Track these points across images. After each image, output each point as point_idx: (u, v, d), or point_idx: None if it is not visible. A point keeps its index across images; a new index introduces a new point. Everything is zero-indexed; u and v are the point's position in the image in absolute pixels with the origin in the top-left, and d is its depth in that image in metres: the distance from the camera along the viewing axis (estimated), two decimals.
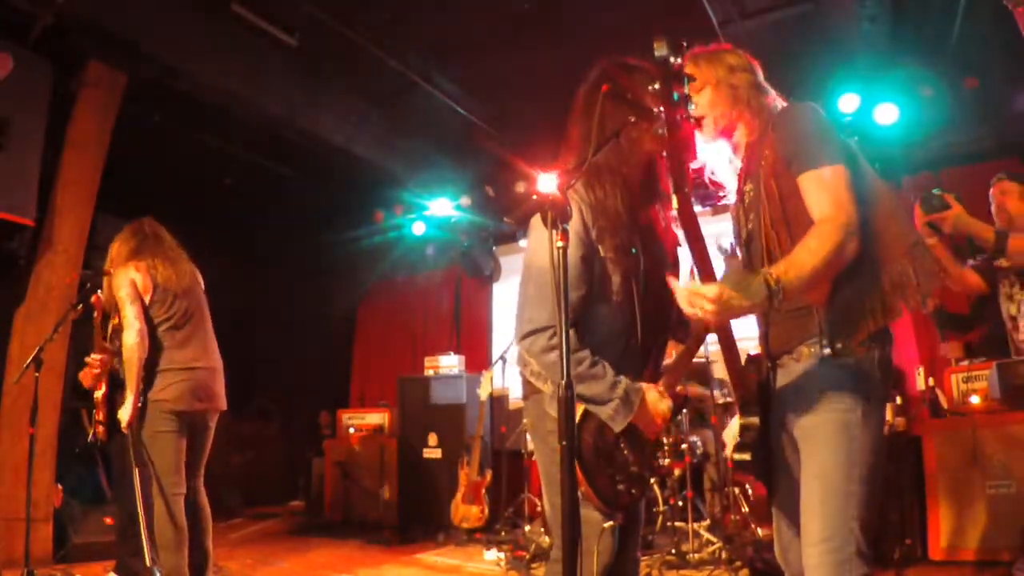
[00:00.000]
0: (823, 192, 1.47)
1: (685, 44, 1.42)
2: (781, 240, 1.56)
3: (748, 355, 1.71)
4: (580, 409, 1.70)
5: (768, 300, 1.32)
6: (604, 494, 1.70)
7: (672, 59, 1.33)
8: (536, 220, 1.73)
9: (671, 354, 2.00)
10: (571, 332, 1.65)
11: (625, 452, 1.75)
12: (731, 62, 1.72)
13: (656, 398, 1.75)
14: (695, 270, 1.42)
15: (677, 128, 1.31)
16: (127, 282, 3.08)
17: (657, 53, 1.31)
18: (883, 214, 1.55)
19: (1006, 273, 3.32)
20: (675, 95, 1.33)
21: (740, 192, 1.74)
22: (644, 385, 1.75)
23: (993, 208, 3.41)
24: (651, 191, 1.88)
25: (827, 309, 1.52)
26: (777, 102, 1.73)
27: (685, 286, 1.34)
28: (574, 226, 1.73)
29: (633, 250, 1.80)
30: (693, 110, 1.70)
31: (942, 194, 2.91)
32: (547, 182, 1.75)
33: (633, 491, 1.75)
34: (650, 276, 1.83)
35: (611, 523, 1.72)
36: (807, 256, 1.39)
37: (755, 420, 1.60)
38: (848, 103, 4.96)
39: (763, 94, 1.72)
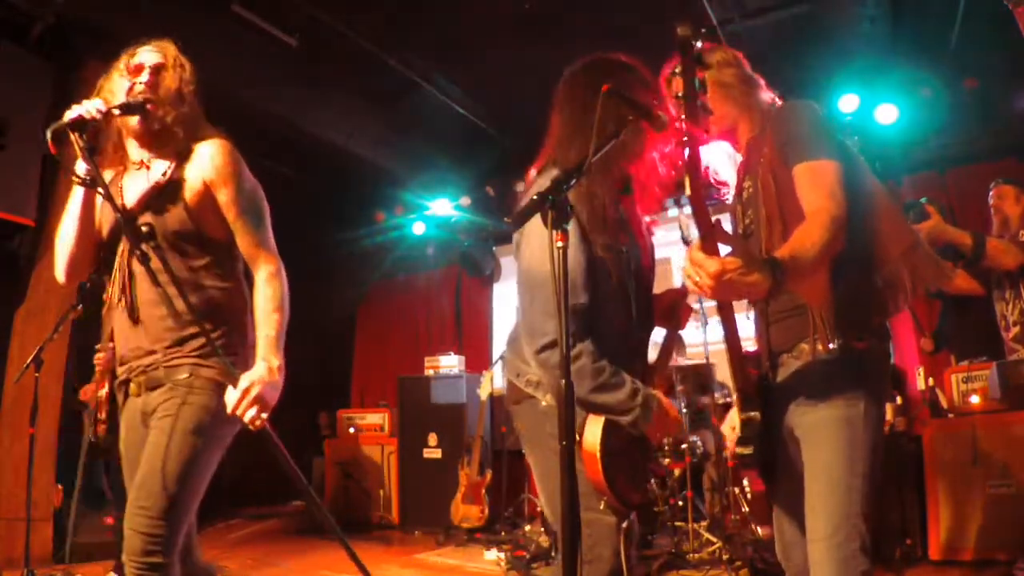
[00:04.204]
0: (816, 184, 1.48)
1: (704, 30, 1.41)
2: (776, 236, 1.56)
3: (746, 352, 1.70)
4: (602, 421, 1.70)
5: (772, 287, 1.31)
6: (624, 496, 1.71)
7: (695, 41, 1.32)
8: (531, 222, 1.66)
9: None
10: (589, 341, 1.68)
11: (637, 452, 1.77)
12: (716, 59, 1.72)
13: (670, 406, 1.74)
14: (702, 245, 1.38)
15: (695, 111, 1.31)
16: None
17: (680, 33, 1.31)
18: (881, 214, 1.56)
19: (998, 275, 3.35)
20: (696, 80, 1.32)
21: (739, 188, 1.75)
22: (656, 392, 1.74)
23: (992, 211, 3.46)
24: (627, 185, 1.89)
25: (826, 306, 1.52)
26: (769, 95, 1.73)
27: (691, 252, 1.32)
28: (573, 229, 1.67)
29: (623, 248, 1.79)
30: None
31: (925, 204, 2.94)
32: (545, 181, 1.74)
33: (646, 488, 1.80)
34: (639, 272, 1.84)
35: (626, 523, 1.72)
36: (809, 244, 1.39)
37: (755, 415, 1.60)
38: (848, 103, 4.96)
39: (754, 87, 1.73)
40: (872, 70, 4.87)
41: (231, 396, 1.63)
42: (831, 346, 1.52)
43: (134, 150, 1.81)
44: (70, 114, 1.59)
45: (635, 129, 1.71)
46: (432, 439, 5.87)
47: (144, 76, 1.76)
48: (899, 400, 4.02)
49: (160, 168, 1.77)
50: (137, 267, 1.68)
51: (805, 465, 1.55)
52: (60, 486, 4.36)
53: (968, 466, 3.52)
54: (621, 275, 1.77)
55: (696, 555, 3.86)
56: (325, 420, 6.87)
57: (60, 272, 1.81)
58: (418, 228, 7.18)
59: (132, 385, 1.78)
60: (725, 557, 3.72)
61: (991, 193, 3.50)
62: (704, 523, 4.15)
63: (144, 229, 1.68)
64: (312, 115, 5.47)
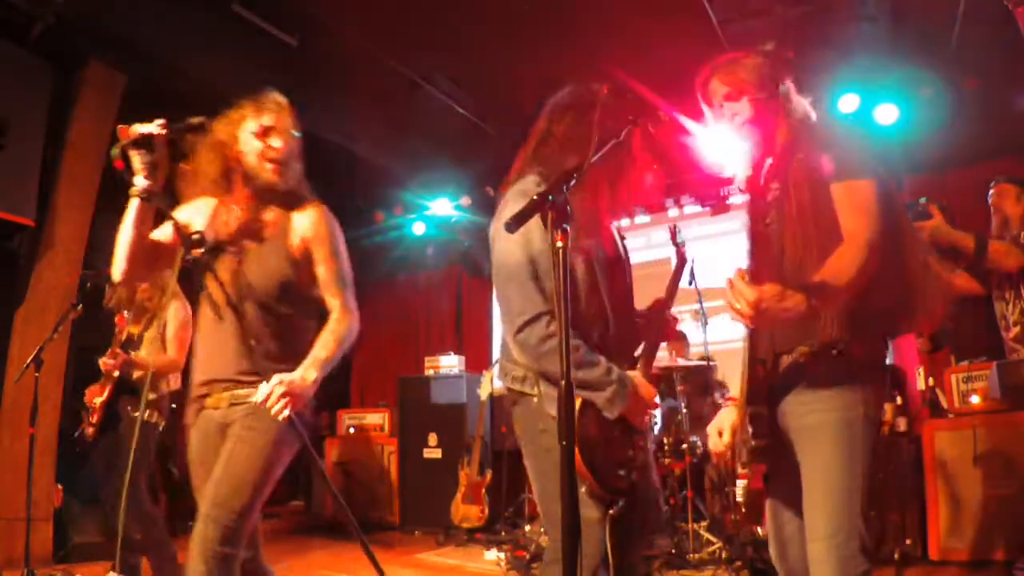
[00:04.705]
0: (855, 206, 1.53)
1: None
2: (806, 238, 1.58)
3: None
4: (578, 402, 1.68)
5: (807, 312, 1.39)
6: (607, 483, 1.72)
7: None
8: (502, 212, 1.83)
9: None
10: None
11: (619, 437, 1.78)
12: (752, 60, 1.75)
13: (645, 384, 1.81)
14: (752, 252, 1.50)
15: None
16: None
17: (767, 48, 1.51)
18: (904, 226, 1.61)
19: (999, 276, 3.34)
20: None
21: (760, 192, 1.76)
22: (632, 373, 1.80)
23: (991, 210, 3.44)
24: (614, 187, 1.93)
25: (840, 314, 1.55)
26: (802, 99, 1.75)
27: (732, 280, 1.39)
28: (537, 222, 1.65)
29: (595, 250, 1.84)
30: (735, 119, 1.72)
31: (927, 204, 2.94)
32: (526, 187, 1.78)
33: (632, 475, 1.79)
34: (611, 267, 1.88)
35: (612, 511, 1.73)
36: (844, 269, 1.46)
37: (762, 409, 1.63)
38: (848, 103, 4.96)
39: (788, 92, 1.74)
40: (872, 70, 4.86)
41: (263, 389, 1.78)
42: (834, 352, 1.55)
43: (245, 196, 1.98)
44: (132, 132, 1.70)
45: (635, 129, 1.73)
46: (432, 439, 5.87)
47: (276, 142, 1.96)
48: (899, 400, 4.02)
49: (267, 220, 1.97)
50: (230, 298, 1.83)
51: (805, 465, 1.58)
52: (60, 486, 4.36)
53: (968, 466, 3.53)
54: (592, 276, 1.82)
55: (696, 555, 3.86)
56: (325, 420, 6.87)
57: (116, 272, 1.93)
58: (418, 228, 7.18)
59: (210, 399, 1.92)
60: (725, 557, 3.72)
61: (991, 191, 3.48)
62: (704, 523, 4.15)
63: (195, 236, 1.78)
64: (312, 115, 5.45)
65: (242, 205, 1.98)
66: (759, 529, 3.90)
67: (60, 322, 3.58)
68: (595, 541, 1.70)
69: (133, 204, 1.83)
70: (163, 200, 1.78)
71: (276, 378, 1.77)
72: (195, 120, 1.82)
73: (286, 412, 1.76)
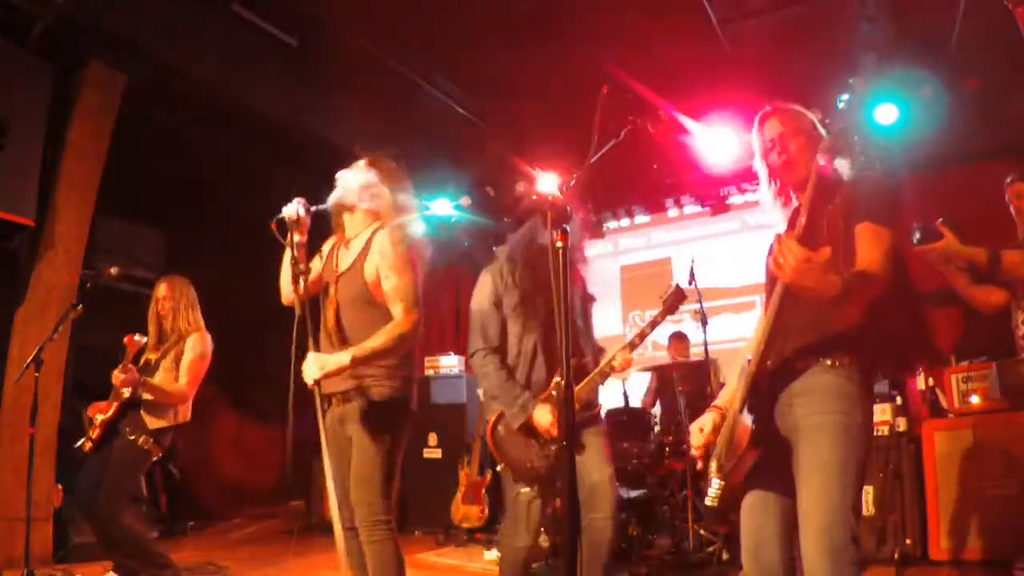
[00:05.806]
0: (875, 243, 1.69)
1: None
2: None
3: (748, 359, 1.78)
4: (497, 412, 2.64)
5: (839, 294, 1.51)
6: (516, 467, 2.58)
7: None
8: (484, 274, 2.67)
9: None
10: (496, 356, 2.58)
11: (526, 438, 2.56)
12: (811, 117, 1.97)
13: (542, 413, 2.49)
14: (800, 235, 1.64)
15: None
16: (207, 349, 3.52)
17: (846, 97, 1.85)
18: (907, 274, 1.69)
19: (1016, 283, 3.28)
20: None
21: (793, 222, 1.87)
22: (540, 404, 2.51)
23: (1012, 211, 3.29)
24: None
25: (851, 335, 1.69)
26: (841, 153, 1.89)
27: (784, 237, 1.52)
28: (489, 283, 2.61)
29: (534, 303, 2.56)
30: (782, 156, 1.91)
31: (938, 224, 2.90)
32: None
33: (541, 469, 2.52)
34: (549, 323, 2.50)
35: (527, 490, 2.50)
36: (866, 285, 1.63)
37: (763, 404, 1.76)
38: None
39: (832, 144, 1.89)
40: (872, 70, 4.86)
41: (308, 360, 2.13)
42: (839, 364, 1.70)
43: (345, 232, 2.46)
44: (287, 210, 2.20)
45: (636, 129, 1.77)
46: (432, 439, 5.87)
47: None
48: (899, 400, 4.02)
49: (356, 248, 2.37)
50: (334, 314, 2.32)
51: (803, 461, 1.68)
52: (60, 486, 4.36)
53: (968, 466, 3.53)
54: (525, 326, 2.58)
55: (696, 555, 3.86)
56: None
57: (284, 299, 2.44)
58: (418, 228, 7.17)
59: (333, 400, 2.32)
60: (725, 557, 3.72)
61: (1008, 191, 3.22)
62: (704, 523, 4.15)
63: (301, 268, 2.18)
64: (312, 115, 5.47)
65: (347, 238, 2.43)
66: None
67: (60, 322, 3.57)
68: (523, 514, 2.53)
69: (288, 252, 2.27)
70: (296, 254, 2.20)
71: (311, 356, 2.11)
72: (331, 202, 2.38)
73: (310, 380, 2.09)
